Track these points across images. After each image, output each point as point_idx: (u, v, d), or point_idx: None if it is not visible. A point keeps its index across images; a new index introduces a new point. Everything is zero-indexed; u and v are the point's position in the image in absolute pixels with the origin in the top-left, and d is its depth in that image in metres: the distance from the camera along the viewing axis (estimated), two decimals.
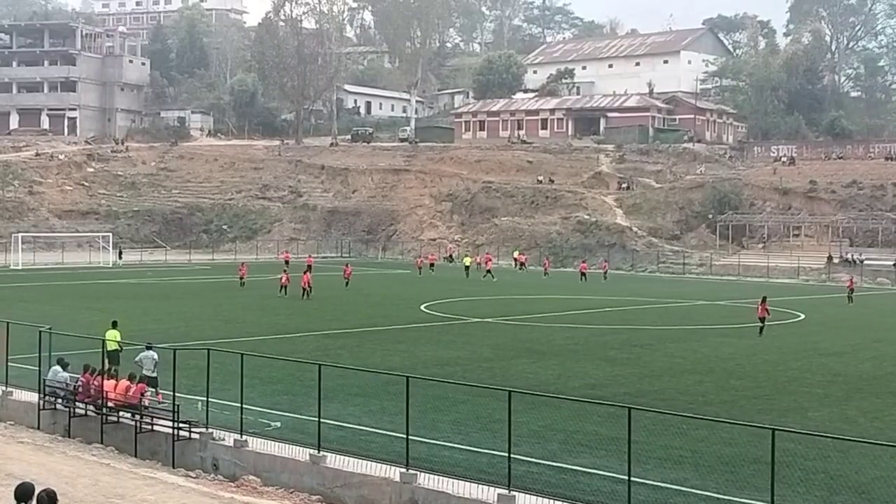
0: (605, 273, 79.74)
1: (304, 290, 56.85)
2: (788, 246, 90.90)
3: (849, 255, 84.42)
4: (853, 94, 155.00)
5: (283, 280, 59.15)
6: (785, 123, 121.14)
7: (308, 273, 58.73)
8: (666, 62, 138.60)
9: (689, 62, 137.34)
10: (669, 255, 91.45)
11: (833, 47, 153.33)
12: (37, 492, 11.03)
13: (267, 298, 57.23)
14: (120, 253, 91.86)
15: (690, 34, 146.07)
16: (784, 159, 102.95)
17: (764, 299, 44.04)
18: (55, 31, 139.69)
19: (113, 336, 29.14)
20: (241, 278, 65.02)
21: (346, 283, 65.15)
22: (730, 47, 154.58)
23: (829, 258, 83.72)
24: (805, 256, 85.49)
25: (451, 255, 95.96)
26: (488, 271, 77.74)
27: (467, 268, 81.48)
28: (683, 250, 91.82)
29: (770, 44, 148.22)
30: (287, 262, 74.29)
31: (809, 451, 19.58)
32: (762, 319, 43.11)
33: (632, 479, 17.10)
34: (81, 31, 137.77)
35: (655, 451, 20.42)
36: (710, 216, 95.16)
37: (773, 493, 15.90)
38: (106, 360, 26.32)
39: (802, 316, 50.96)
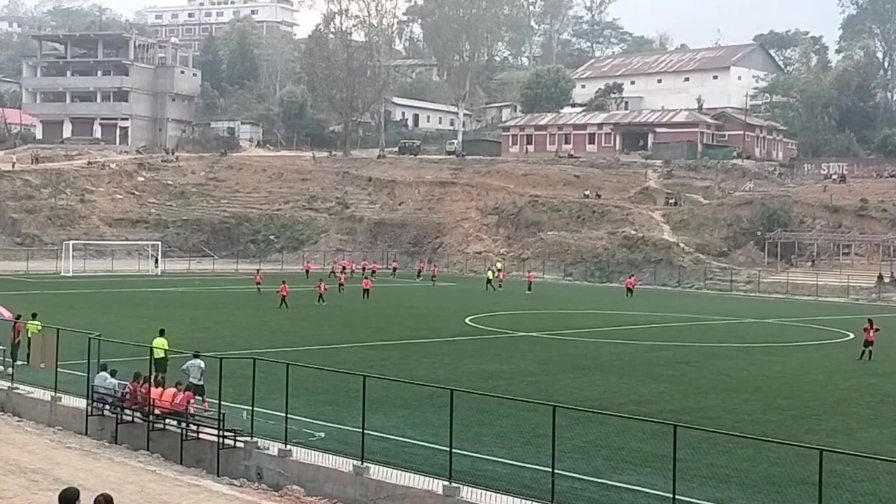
0: (631, 289, 76.01)
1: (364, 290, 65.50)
2: (838, 264, 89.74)
3: None
4: None
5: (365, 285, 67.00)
6: (836, 140, 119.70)
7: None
8: (715, 78, 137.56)
9: (739, 78, 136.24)
10: (717, 272, 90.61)
11: (886, 64, 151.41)
12: (87, 497, 11.09)
13: (310, 309, 57.48)
14: (156, 261, 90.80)
15: (741, 50, 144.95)
16: (835, 177, 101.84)
17: (871, 322, 41.81)
18: (109, 42, 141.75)
19: (160, 344, 29.46)
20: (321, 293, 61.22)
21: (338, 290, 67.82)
22: (780, 63, 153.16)
23: (880, 277, 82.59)
24: (855, 275, 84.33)
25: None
26: (529, 284, 78.44)
27: (489, 281, 78.50)
28: (731, 267, 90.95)
29: (822, 60, 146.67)
30: (373, 272, 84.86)
31: (858, 473, 19.34)
32: (869, 343, 40.82)
33: (676, 497, 16.99)
34: (134, 42, 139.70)
35: (701, 470, 20.24)
36: (759, 233, 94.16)
37: None
38: (153, 368, 26.62)
39: (852, 335, 50.20)
